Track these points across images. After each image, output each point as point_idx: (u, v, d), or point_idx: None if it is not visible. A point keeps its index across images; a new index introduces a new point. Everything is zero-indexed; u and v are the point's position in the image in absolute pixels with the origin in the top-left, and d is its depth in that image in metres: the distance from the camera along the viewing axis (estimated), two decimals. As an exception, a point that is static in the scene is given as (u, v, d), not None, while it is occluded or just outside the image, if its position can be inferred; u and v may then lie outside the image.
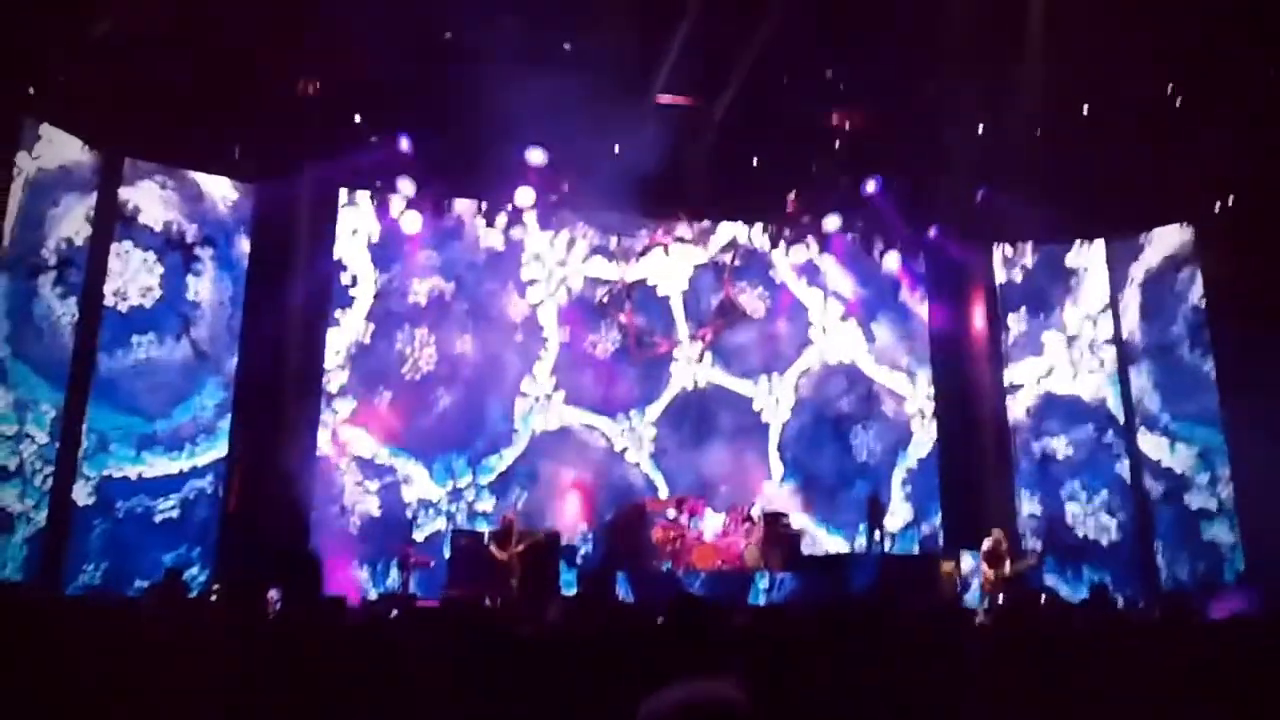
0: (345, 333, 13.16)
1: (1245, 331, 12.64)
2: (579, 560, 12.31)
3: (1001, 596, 10.86)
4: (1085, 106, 13.13)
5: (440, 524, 12.79)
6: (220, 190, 12.63)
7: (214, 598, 8.89)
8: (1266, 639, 4.40)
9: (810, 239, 14.75)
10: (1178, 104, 12.75)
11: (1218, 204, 13.45)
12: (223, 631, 4.91)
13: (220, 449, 12.07)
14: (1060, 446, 14.57)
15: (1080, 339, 14.87)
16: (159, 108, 11.13)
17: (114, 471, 11.34)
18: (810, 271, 15.16)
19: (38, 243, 10.81)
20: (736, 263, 14.76)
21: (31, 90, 10.30)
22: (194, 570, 11.35)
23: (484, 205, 13.69)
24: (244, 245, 12.73)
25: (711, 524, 12.11)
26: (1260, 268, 12.51)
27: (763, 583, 11.72)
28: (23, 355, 10.62)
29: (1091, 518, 14.23)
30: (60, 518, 10.75)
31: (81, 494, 11.04)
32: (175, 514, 11.64)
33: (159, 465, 11.68)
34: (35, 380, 10.74)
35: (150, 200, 12.06)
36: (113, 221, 11.63)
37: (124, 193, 11.81)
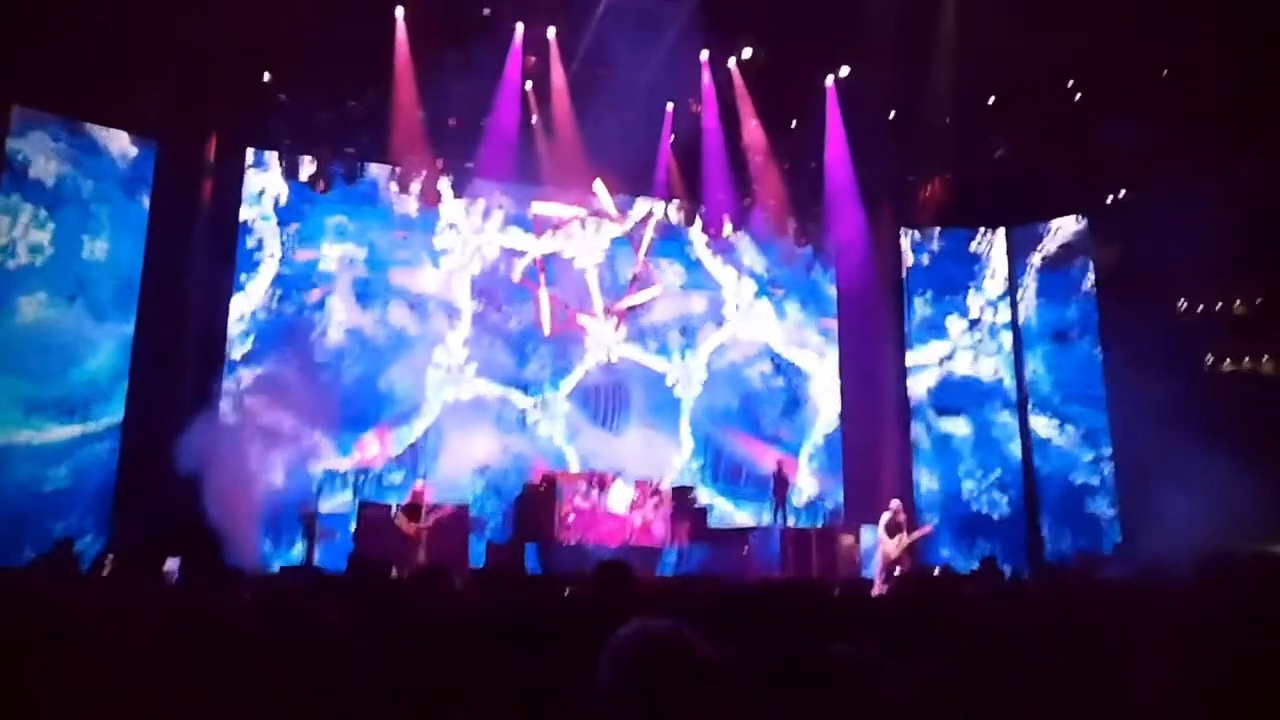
0: (250, 299, 12.78)
1: (1131, 319, 13.38)
2: (488, 533, 12.31)
3: (898, 568, 11.31)
4: (990, 99, 13.64)
5: (347, 496, 12.60)
6: (119, 145, 12.05)
7: (106, 570, 8.59)
8: (1138, 602, 4.73)
9: (725, 217, 14.94)
10: (1076, 100, 13.36)
11: (1109, 197, 14.19)
12: (115, 604, 4.76)
13: (116, 415, 11.61)
14: (958, 425, 15.24)
15: (981, 323, 15.54)
16: (53, 55, 10.49)
17: (-1, 437, 10.82)
18: (725, 249, 15.37)
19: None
20: (653, 237, 14.83)
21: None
22: (87, 540, 10.91)
23: (397, 170, 13.39)
24: (144, 204, 12.18)
25: (621, 498, 12.25)
26: (1147, 258, 13.25)
27: (671, 556, 11.94)
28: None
29: (985, 494, 14.96)
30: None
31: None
32: (66, 482, 11.17)
33: (50, 431, 11.19)
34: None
35: (42, 153, 11.44)
36: (-2, 174, 11.00)
37: (12, 144, 11.16)
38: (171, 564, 8.68)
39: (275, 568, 10.97)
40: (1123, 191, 14.01)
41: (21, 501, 10.83)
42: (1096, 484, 14.32)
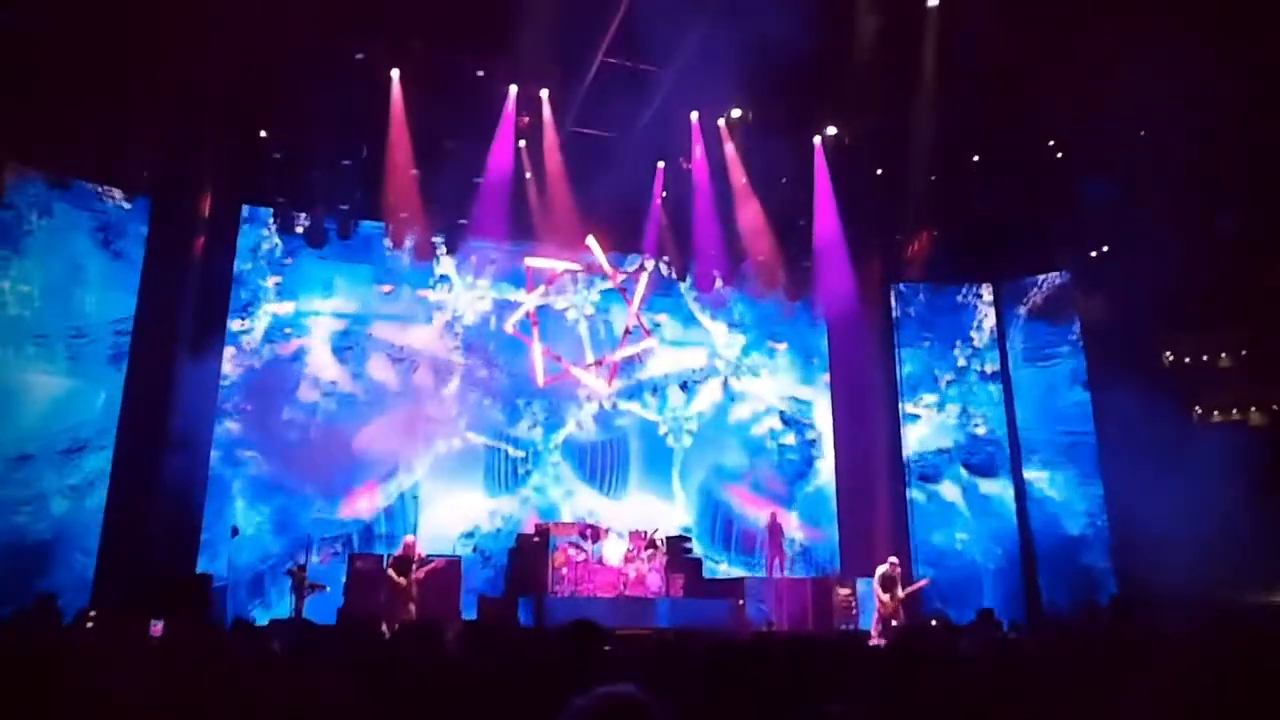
0: (242, 353, 12.80)
1: (1118, 371, 13.50)
2: (480, 585, 12.17)
3: (894, 620, 11.22)
4: (974, 157, 13.94)
5: (336, 548, 12.48)
6: (113, 200, 12.15)
7: (90, 624, 8.45)
8: (1136, 654, 4.70)
9: (716, 273, 15.10)
10: (1057, 157, 13.67)
11: (1093, 252, 14.42)
12: (98, 662, 4.69)
13: (104, 468, 11.50)
14: (950, 475, 15.22)
15: (970, 375, 15.64)
16: (49, 110, 10.57)
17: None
18: (717, 304, 15.51)
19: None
20: (645, 291, 14.95)
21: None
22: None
23: (390, 226, 13.51)
24: (138, 258, 12.23)
25: (615, 549, 12.16)
26: (1132, 311, 13.43)
27: (664, 607, 11.81)
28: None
29: (978, 544, 14.89)
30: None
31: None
32: (49, 535, 11.03)
33: (34, 485, 11.10)
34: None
35: (35, 207, 11.52)
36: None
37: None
38: (156, 624, 8.55)
39: (264, 621, 10.82)
40: (1105, 247, 14.25)
41: (3, 555, 10.68)
42: (1091, 536, 14.29)
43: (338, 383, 13.27)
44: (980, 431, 15.39)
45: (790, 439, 15.51)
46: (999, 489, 15.10)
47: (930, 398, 15.62)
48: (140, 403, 11.59)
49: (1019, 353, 15.49)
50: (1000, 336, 15.56)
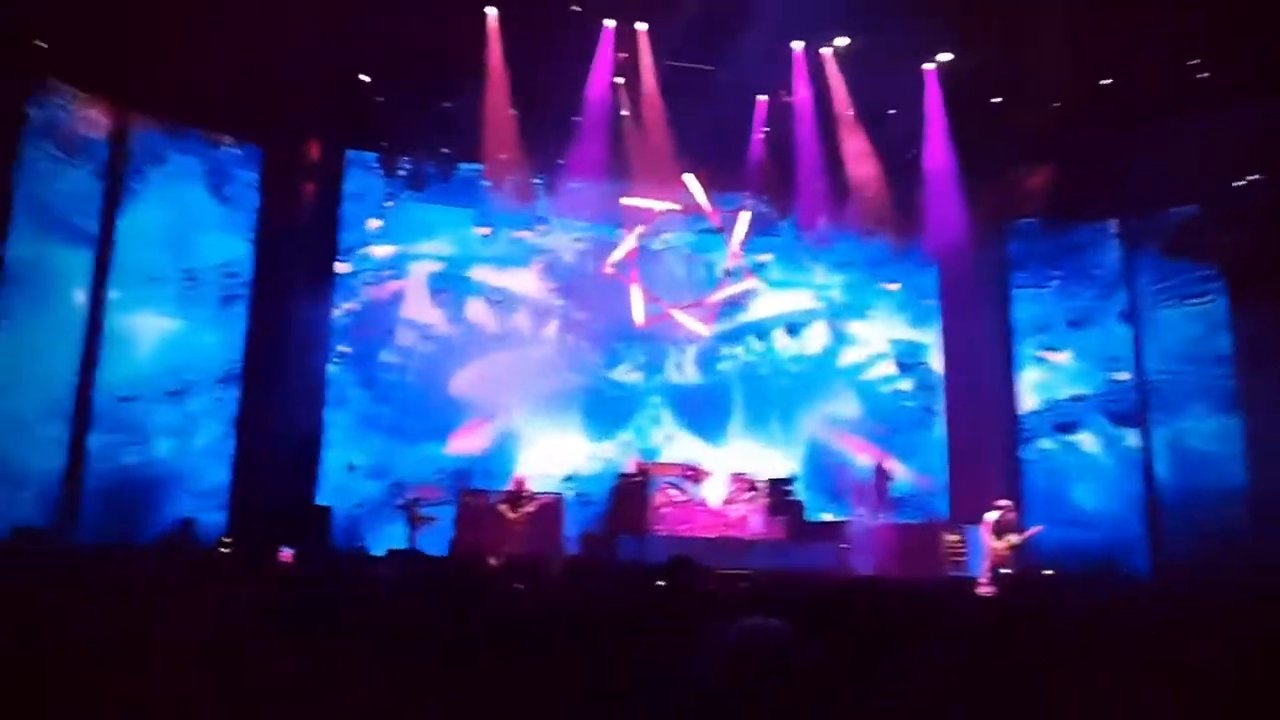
0: (344, 295, 13.19)
1: (1260, 310, 12.57)
2: (583, 523, 12.38)
3: (1004, 569, 10.90)
4: (1103, 81, 12.99)
5: (445, 484, 12.81)
6: (225, 149, 12.57)
7: (225, 550, 8.98)
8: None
9: (820, 210, 14.63)
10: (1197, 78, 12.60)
11: (1232, 182, 13.32)
12: (234, 583, 4.96)
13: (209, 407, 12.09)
14: (1090, 425, 14.34)
15: (1106, 314, 14.71)
16: (159, 62, 10.77)
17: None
18: (822, 242, 15.05)
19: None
20: (746, 231, 14.60)
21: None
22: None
23: (489, 169, 13.53)
24: (253, 204, 12.67)
25: (715, 490, 12.15)
26: (1275, 245, 12.42)
27: (766, 550, 11.77)
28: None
29: (1118, 498, 14.13)
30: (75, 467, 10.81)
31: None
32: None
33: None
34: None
35: (152, 156, 12.03)
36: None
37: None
38: (286, 551, 8.99)
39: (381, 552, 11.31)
40: (1252, 176, 13.12)
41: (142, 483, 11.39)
42: (1227, 487, 13.44)
43: (435, 325, 13.55)
44: (1122, 378, 14.51)
45: (907, 385, 14.98)
46: (1122, 436, 14.15)
47: (1058, 342, 14.66)
48: (261, 344, 12.13)
49: (1152, 293, 14.47)
50: (1128, 277, 14.56)
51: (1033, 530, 11.61)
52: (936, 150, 13.88)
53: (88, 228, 11.20)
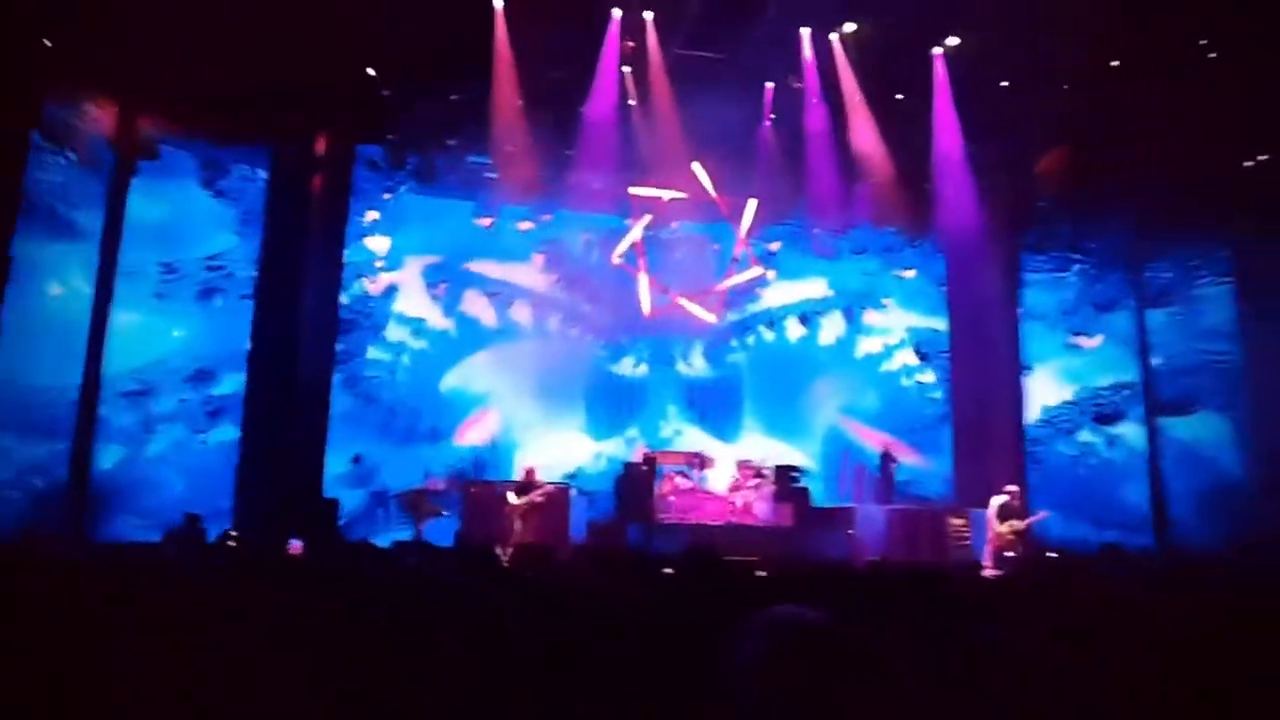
0: (345, 288, 13.19)
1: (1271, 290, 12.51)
2: (590, 512, 12.44)
3: (1009, 553, 10.92)
4: (1113, 63, 12.88)
5: (451, 477, 12.83)
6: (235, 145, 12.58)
7: (231, 544, 9.05)
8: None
9: (831, 197, 14.52)
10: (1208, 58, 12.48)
11: (1245, 162, 13.21)
12: (243, 576, 5.01)
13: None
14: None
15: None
16: (165, 63, 10.79)
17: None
18: (833, 230, 14.95)
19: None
20: (754, 219, 14.53)
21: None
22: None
23: (497, 161, 13.48)
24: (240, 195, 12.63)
25: (721, 477, 12.18)
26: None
27: (772, 536, 11.80)
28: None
29: (1104, 478, 14.15)
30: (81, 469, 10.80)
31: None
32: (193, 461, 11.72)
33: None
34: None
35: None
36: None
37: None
38: (295, 544, 9.07)
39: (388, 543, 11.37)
40: (1263, 156, 13.02)
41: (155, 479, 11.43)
42: (1233, 470, 13.40)
43: (429, 319, 13.44)
44: (1111, 351, 14.26)
45: (929, 376, 14.80)
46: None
47: (1088, 326, 14.52)
48: (271, 333, 12.14)
49: (1166, 280, 14.32)
50: (1136, 259, 14.45)
51: (1039, 515, 11.62)
52: (947, 135, 13.80)
53: (86, 224, 11.03)
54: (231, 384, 12.08)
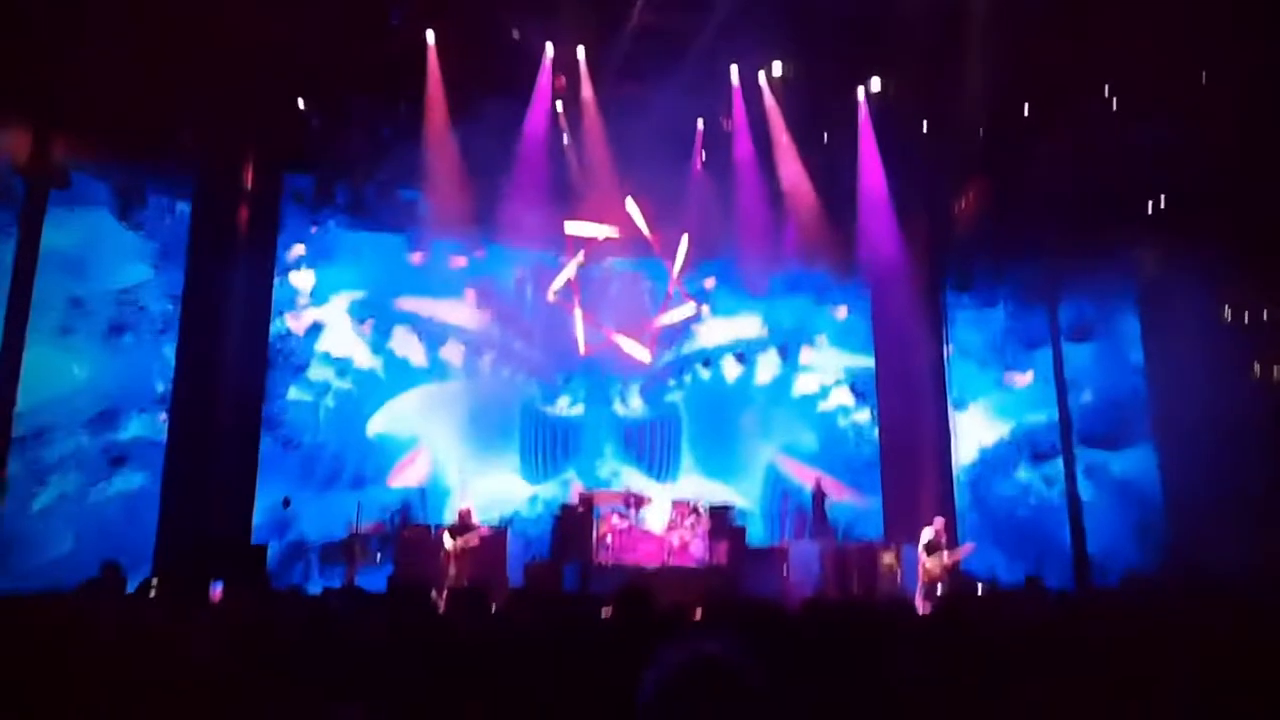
0: (291, 322, 12.89)
1: (1174, 328, 13.07)
2: (526, 554, 12.26)
3: (939, 586, 11.11)
4: (1025, 107, 13.47)
5: (382, 521, 12.45)
6: (158, 172, 12.21)
7: (152, 593, 8.65)
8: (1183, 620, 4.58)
9: (761, 235, 14.73)
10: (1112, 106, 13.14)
11: (1149, 204, 13.88)
12: (164, 626, 4.78)
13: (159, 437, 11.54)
14: (993, 436, 14.65)
15: (1020, 331, 15.07)
16: (87, 87, 10.37)
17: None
18: (765, 267, 15.04)
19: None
20: (687, 255, 14.64)
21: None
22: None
23: (428, 194, 13.33)
24: (184, 233, 12.23)
25: (657, 516, 12.16)
26: (1188, 266, 12.98)
27: (707, 575, 11.79)
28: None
29: (1044, 517, 14.40)
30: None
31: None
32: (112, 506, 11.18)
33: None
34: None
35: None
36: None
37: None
38: (216, 586, 8.73)
39: (318, 589, 11.02)
40: (1162, 197, 13.71)
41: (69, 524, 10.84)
42: (1144, 500, 13.92)
43: (355, 358, 13.10)
44: (1029, 386, 14.63)
45: (865, 415, 14.89)
46: (1047, 450, 14.32)
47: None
48: (193, 372, 11.66)
49: (1089, 315, 14.82)
50: (1050, 300, 14.90)
51: (966, 548, 11.87)
52: (870, 175, 14.19)
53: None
54: (138, 427, 11.50)
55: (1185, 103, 11.99)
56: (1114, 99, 13.08)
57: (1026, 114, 13.41)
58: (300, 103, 12.33)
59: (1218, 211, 11.93)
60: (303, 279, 13.12)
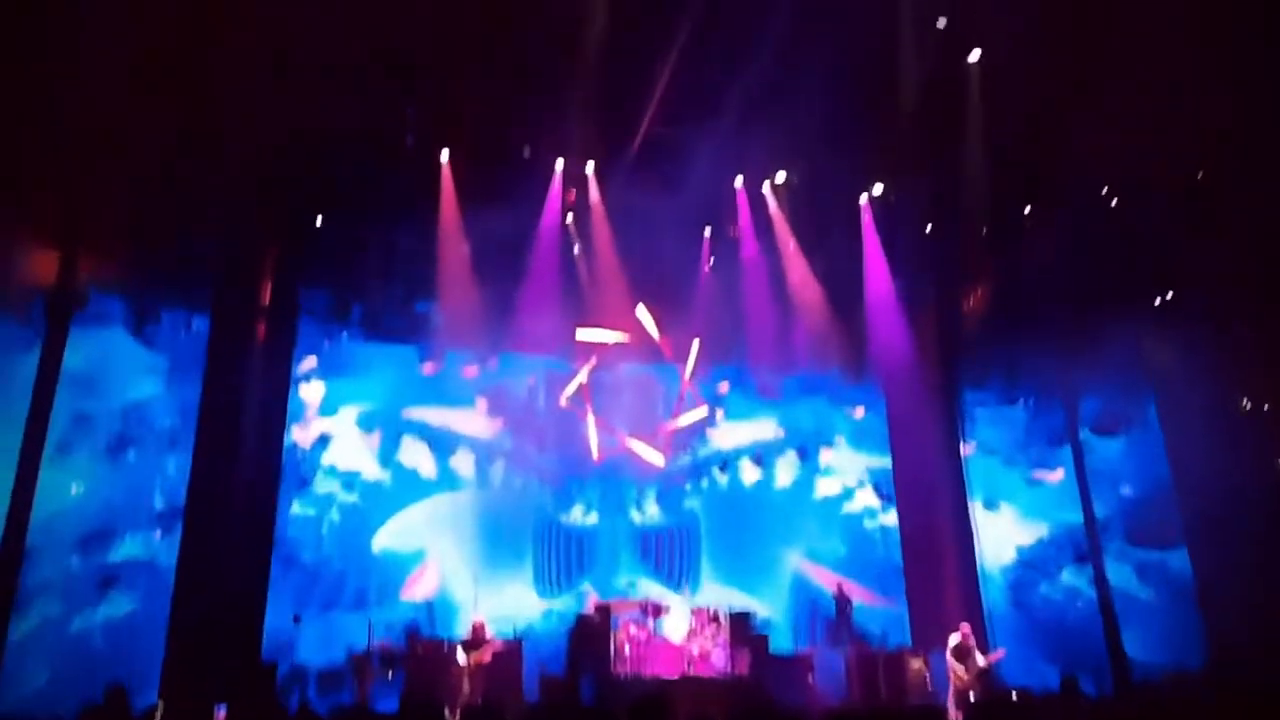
0: (298, 434, 12.86)
1: (1194, 420, 12.92)
2: (542, 667, 11.91)
3: (973, 694, 10.69)
4: (1026, 208, 13.70)
5: (394, 637, 12.14)
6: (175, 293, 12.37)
7: (158, 717, 8.44)
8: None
9: (772, 338, 14.79)
10: (1112, 203, 13.31)
11: (1158, 298, 13.89)
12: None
13: (170, 558, 11.41)
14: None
15: (1039, 426, 14.88)
16: (107, 206, 10.57)
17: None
18: (779, 370, 15.10)
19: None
20: (698, 359, 14.67)
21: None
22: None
23: (441, 307, 13.48)
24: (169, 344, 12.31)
25: (676, 625, 11.85)
26: (1204, 358, 12.92)
27: (730, 685, 11.40)
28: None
29: (1061, 609, 13.99)
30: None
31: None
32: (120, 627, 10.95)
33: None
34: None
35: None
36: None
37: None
38: (220, 710, 8.52)
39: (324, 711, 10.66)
40: (1170, 293, 13.76)
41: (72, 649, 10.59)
42: (1176, 596, 13.49)
43: (362, 471, 12.97)
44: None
45: (893, 518, 14.46)
46: (1076, 550, 13.90)
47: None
48: (206, 488, 11.54)
49: (1104, 409, 14.63)
50: (1068, 396, 14.74)
51: (996, 654, 11.48)
52: (876, 277, 14.35)
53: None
54: (131, 547, 11.22)
55: (1185, 185, 12.14)
56: (1109, 191, 13.26)
57: (1027, 211, 13.63)
58: (318, 220, 12.66)
59: (1227, 296, 11.94)
60: (312, 391, 13.15)
